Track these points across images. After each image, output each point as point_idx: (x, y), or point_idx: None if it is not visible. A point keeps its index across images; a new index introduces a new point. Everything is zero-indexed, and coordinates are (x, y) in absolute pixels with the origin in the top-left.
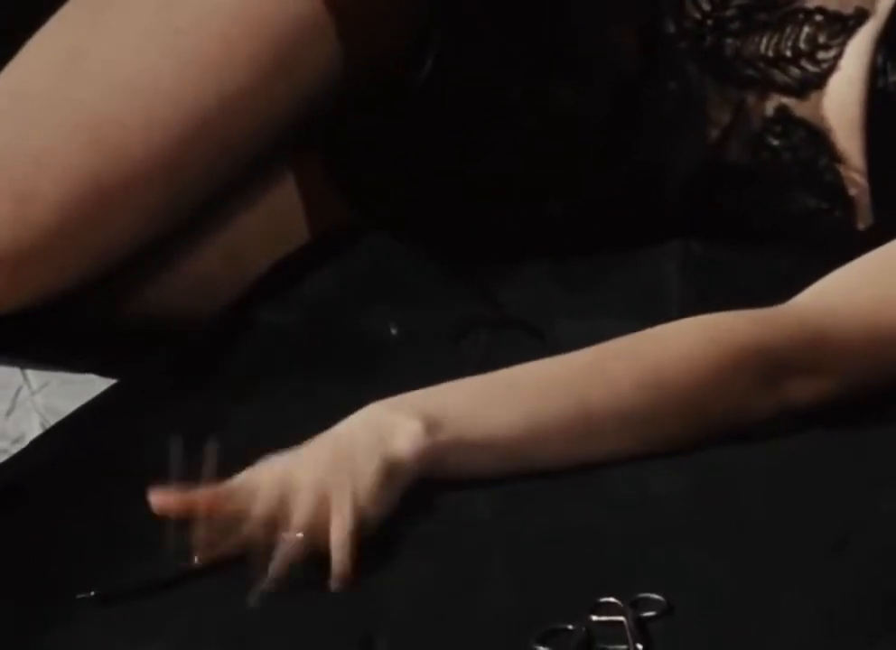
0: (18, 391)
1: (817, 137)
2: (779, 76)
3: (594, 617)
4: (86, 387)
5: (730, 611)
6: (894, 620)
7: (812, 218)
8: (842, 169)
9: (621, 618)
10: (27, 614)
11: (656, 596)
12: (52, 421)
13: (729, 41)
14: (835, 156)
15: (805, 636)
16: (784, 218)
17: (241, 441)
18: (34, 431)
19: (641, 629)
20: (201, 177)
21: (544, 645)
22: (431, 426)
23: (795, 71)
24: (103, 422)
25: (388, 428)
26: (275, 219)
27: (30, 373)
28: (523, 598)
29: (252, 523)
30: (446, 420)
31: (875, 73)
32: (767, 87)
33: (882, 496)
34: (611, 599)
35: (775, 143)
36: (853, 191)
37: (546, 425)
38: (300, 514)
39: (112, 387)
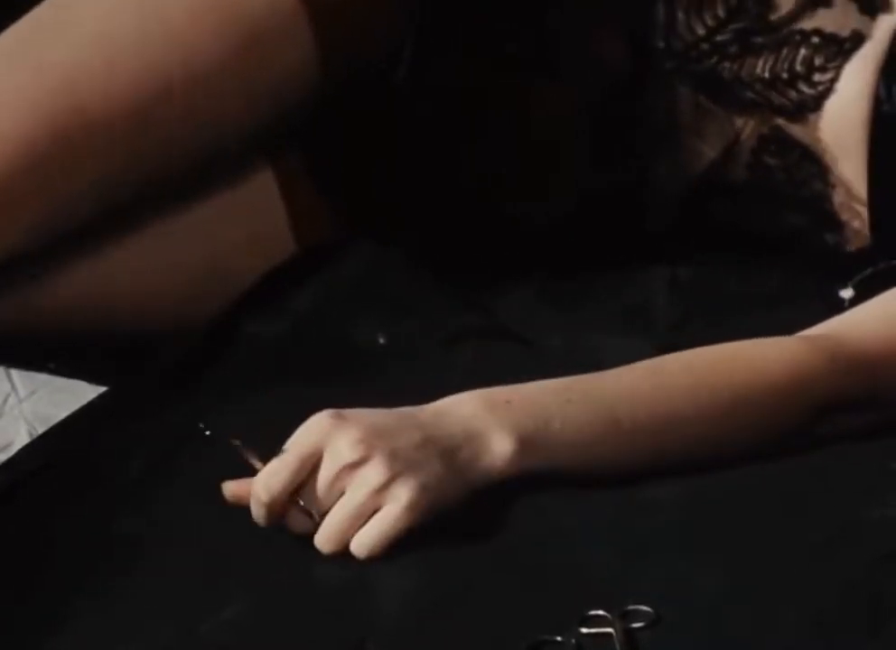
0: (6, 399)
1: (812, 159)
2: (775, 97)
3: (584, 630)
4: (74, 395)
5: (718, 619)
6: (881, 626)
7: (802, 238)
8: (835, 193)
9: (610, 630)
10: (17, 617)
11: (644, 607)
12: (40, 429)
13: (726, 64)
14: (828, 179)
15: (793, 643)
16: (774, 237)
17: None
18: (22, 438)
19: (630, 640)
20: (164, 144)
21: None
22: (525, 446)
23: (791, 93)
24: (91, 430)
25: (484, 440)
26: (260, 229)
27: (17, 381)
28: (512, 611)
29: (324, 475)
30: (544, 442)
31: (878, 99)
32: (763, 108)
33: (868, 504)
34: (600, 612)
35: (770, 162)
36: (845, 216)
37: (646, 461)
38: (366, 479)
39: (99, 397)
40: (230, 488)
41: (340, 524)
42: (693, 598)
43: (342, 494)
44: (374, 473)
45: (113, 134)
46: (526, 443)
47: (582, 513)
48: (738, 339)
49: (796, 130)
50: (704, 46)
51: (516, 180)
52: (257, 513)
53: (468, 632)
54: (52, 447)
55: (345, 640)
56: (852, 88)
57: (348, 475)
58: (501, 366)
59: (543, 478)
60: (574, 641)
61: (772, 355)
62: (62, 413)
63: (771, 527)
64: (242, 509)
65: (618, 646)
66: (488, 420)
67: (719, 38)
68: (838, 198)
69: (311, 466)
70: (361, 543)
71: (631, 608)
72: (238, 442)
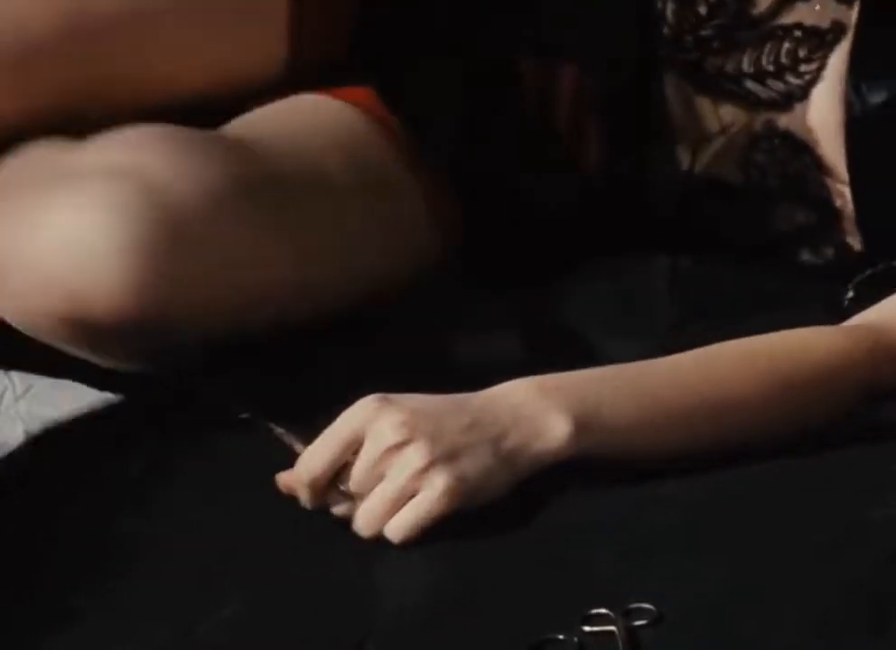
0: (2, 395)
1: (804, 150)
2: (762, 91)
3: (586, 628)
4: (71, 394)
5: (721, 618)
6: (885, 626)
7: (800, 232)
8: (829, 181)
9: (613, 628)
10: (15, 616)
11: (647, 605)
12: (36, 426)
13: (710, 58)
14: (822, 168)
15: (796, 642)
16: (773, 233)
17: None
18: (18, 436)
19: (633, 638)
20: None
21: None
22: (580, 428)
23: (778, 85)
24: (91, 430)
25: (537, 423)
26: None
27: (15, 377)
28: (516, 610)
29: (365, 457)
30: (597, 425)
31: (849, 103)
32: (751, 102)
33: (871, 505)
34: (603, 611)
35: (762, 159)
36: (838, 202)
37: (692, 447)
38: (407, 462)
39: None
40: (282, 479)
41: (378, 508)
42: (696, 596)
43: (383, 477)
44: (415, 456)
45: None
46: (581, 426)
47: (587, 511)
48: (738, 336)
49: (785, 122)
50: (689, 38)
51: (519, 176)
52: (301, 495)
53: (470, 630)
54: (52, 445)
55: (344, 640)
56: (838, 74)
57: (389, 458)
58: (506, 364)
59: (592, 463)
60: (576, 640)
61: (814, 343)
62: (59, 412)
63: (776, 527)
64: (240, 509)
65: (620, 645)
66: (542, 404)
67: (702, 33)
68: (832, 186)
69: (353, 448)
70: (395, 528)
71: (634, 606)
72: (276, 427)
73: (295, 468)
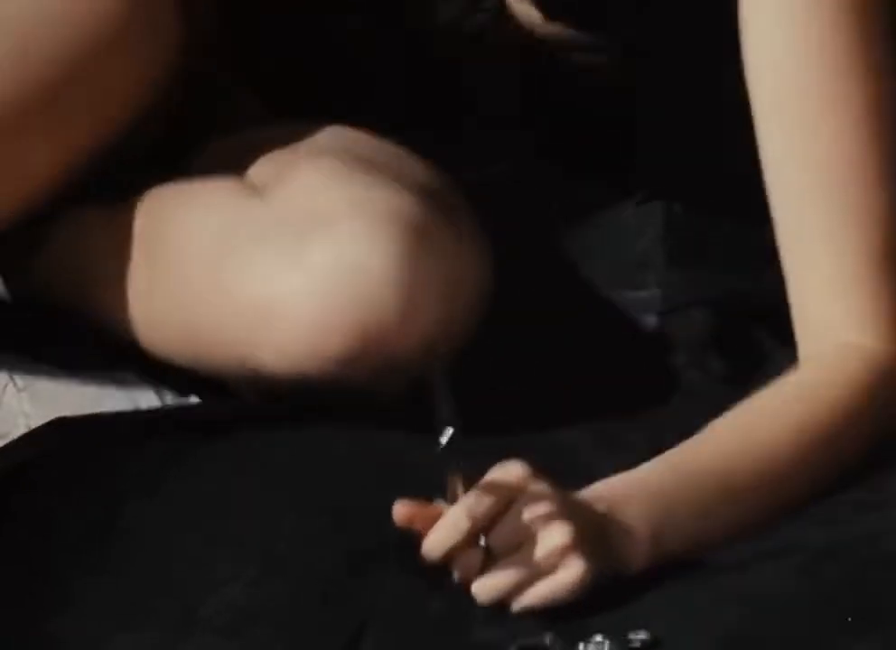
0: (4, 389)
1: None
2: None
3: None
4: (71, 388)
5: (716, 635)
6: (877, 623)
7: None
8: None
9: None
10: (20, 596)
11: (643, 633)
12: (37, 420)
13: None
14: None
15: (791, 639)
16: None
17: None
18: (19, 429)
19: None
20: None
21: None
22: (656, 538)
23: None
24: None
25: (624, 534)
26: None
27: (15, 373)
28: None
29: (511, 521)
30: (670, 537)
31: None
32: None
33: (855, 520)
34: (598, 638)
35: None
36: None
37: (764, 517)
38: (550, 537)
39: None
40: (404, 512)
41: (508, 581)
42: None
43: (517, 545)
44: (560, 532)
45: None
46: (656, 531)
47: None
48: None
49: None
50: None
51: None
52: (433, 547)
53: (465, 623)
54: (63, 431)
55: (345, 623)
56: None
57: (533, 526)
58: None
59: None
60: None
61: (830, 381)
62: (60, 405)
63: (768, 534)
64: (242, 493)
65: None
66: (628, 512)
67: None
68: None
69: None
70: (523, 602)
71: (631, 635)
72: (455, 468)
73: (453, 512)
